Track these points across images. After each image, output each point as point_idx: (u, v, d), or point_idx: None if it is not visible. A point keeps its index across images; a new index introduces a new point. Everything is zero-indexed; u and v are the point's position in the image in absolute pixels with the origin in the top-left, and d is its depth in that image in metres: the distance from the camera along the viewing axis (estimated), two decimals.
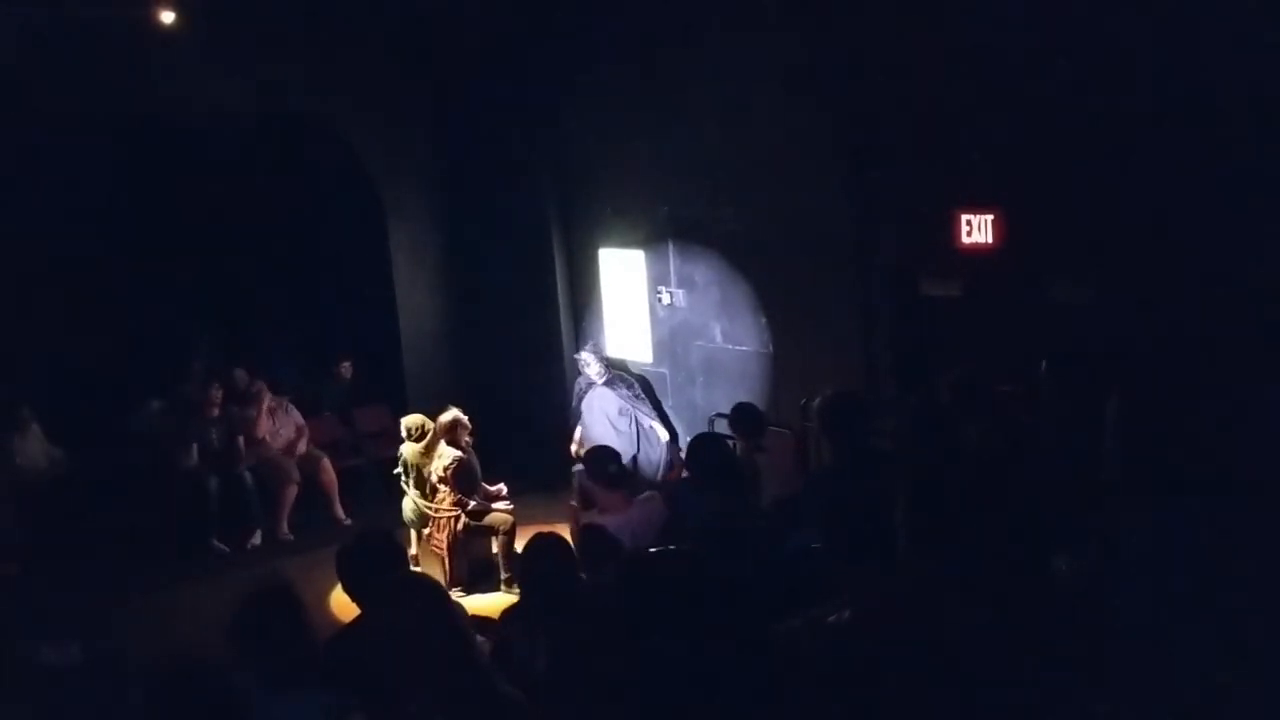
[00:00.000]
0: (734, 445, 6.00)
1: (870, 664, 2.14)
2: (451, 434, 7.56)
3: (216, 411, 9.05)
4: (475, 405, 8.03)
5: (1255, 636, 2.09)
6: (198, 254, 10.61)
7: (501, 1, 9.21)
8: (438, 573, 7.42)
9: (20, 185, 8.71)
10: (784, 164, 7.27)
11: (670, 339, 8.71)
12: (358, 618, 3.77)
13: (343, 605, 5.10)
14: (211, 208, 10.43)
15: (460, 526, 7.42)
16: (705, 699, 1.95)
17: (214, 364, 10.12)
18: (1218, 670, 2.04)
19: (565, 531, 5.18)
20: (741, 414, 6.28)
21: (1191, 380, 4.45)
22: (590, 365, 8.29)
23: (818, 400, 4.84)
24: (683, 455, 8.44)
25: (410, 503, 7.70)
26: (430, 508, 7.54)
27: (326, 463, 9.16)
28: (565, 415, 9.01)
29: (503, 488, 7.84)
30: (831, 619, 2.43)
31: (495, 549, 7.49)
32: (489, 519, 7.51)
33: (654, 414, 8.31)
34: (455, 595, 7.01)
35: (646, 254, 8.75)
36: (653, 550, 2.62)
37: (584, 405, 8.34)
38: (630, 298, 9.01)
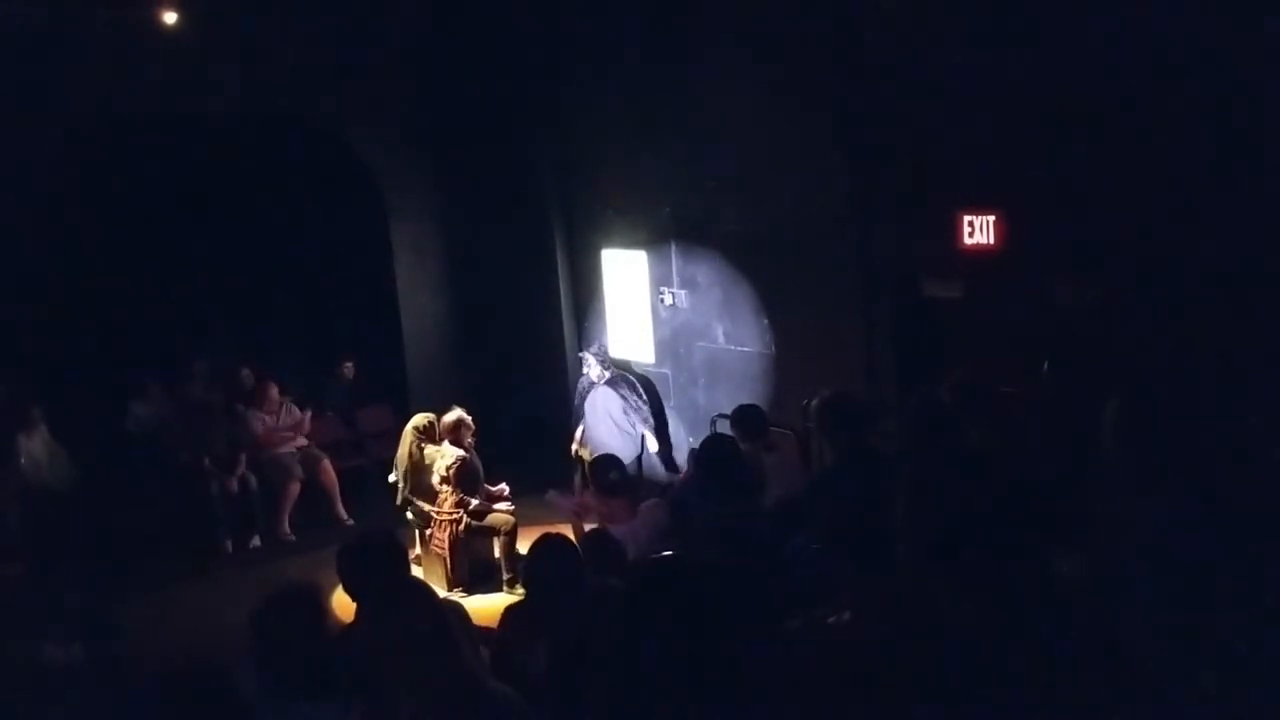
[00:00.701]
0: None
1: (870, 664, 2.15)
2: (455, 433, 7.57)
3: (220, 411, 9.06)
4: (477, 405, 8.05)
5: (1253, 637, 2.09)
6: (200, 254, 10.62)
7: (503, 2, 9.22)
8: (439, 572, 7.43)
9: (22, 185, 8.72)
10: (786, 165, 7.27)
11: (672, 340, 8.71)
12: (353, 622, 3.77)
13: (344, 605, 5.10)
14: (213, 208, 10.44)
15: (462, 527, 7.43)
16: (705, 699, 1.95)
17: (218, 364, 10.13)
18: (1215, 670, 2.04)
19: (568, 532, 5.18)
20: (743, 415, 6.28)
21: (1191, 381, 4.45)
22: (591, 366, 8.28)
23: (816, 401, 4.84)
24: (673, 461, 8.50)
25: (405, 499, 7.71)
26: (431, 509, 7.54)
27: (326, 463, 9.17)
28: (567, 416, 9.01)
29: (504, 488, 7.85)
30: (831, 619, 2.44)
31: (497, 549, 7.49)
32: (490, 519, 7.51)
33: (650, 420, 8.27)
34: (456, 596, 7.03)
35: (649, 254, 8.75)
36: (657, 555, 2.63)
37: (586, 405, 8.34)
38: (632, 298, 9.01)
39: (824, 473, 4.99)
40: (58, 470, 8.67)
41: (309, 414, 9.46)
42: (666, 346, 8.78)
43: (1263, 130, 4.77)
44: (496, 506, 7.64)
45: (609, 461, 5.53)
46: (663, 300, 8.67)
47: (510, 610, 4.12)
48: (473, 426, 7.68)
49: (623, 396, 8.15)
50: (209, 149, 10.03)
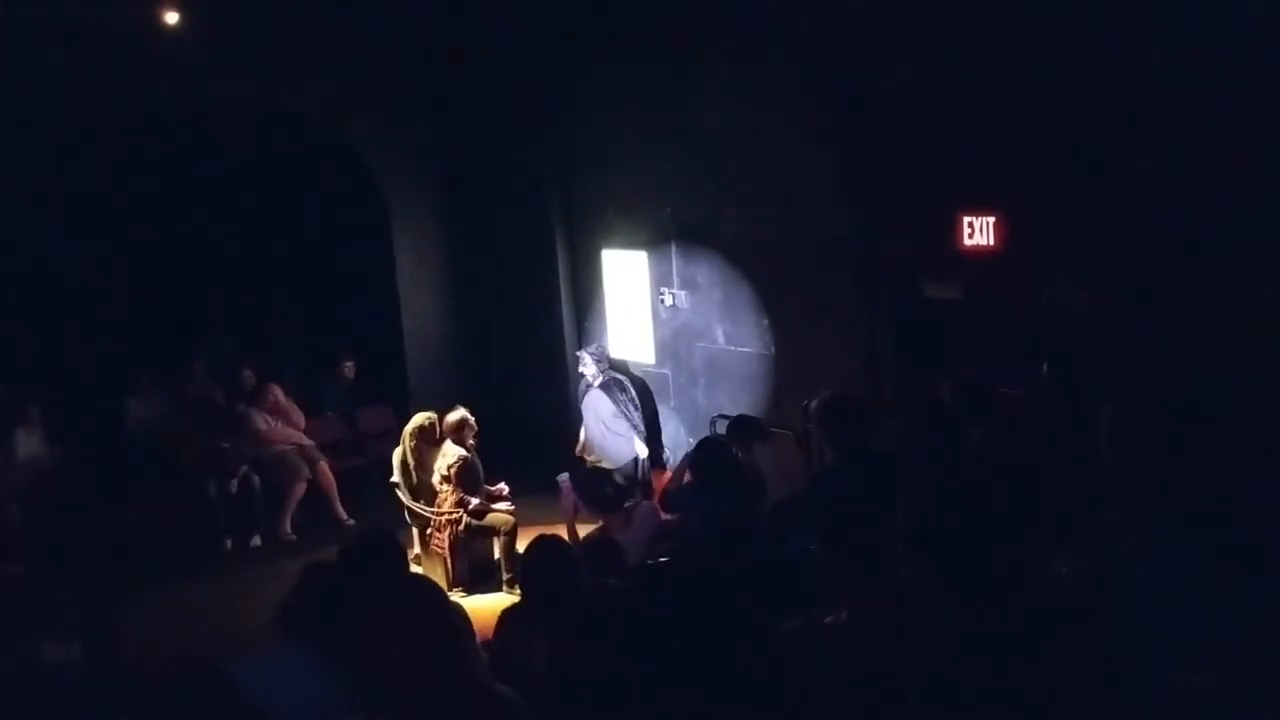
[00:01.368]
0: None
1: (870, 664, 2.15)
2: (458, 433, 7.58)
3: (220, 411, 9.07)
4: (478, 406, 8.05)
5: (1250, 637, 2.09)
6: (200, 254, 10.63)
7: (506, 3, 9.23)
8: (439, 573, 7.43)
9: (23, 185, 8.73)
10: (787, 166, 7.28)
11: (673, 340, 8.71)
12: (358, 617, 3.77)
13: None
14: (216, 209, 10.45)
15: (462, 526, 7.43)
16: (705, 700, 1.96)
17: (219, 363, 10.14)
18: (1213, 671, 2.04)
19: (563, 534, 5.19)
20: (737, 425, 6.33)
21: (1190, 383, 4.46)
22: (587, 366, 8.28)
23: (816, 402, 4.84)
24: (664, 463, 8.51)
25: (407, 499, 7.72)
26: (430, 511, 7.55)
27: (324, 464, 9.16)
28: (568, 416, 9.02)
29: (504, 488, 7.85)
30: (831, 619, 2.44)
31: (497, 549, 7.50)
32: (490, 519, 7.52)
33: (640, 425, 8.27)
34: (456, 595, 7.03)
35: (649, 255, 8.76)
36: (655, 559, 2.64)
37: (583, 406, 8.35)
38: (633, 299, 9.02)
39: (824, 473, 4.99)
40: (55, 468, 8.68)
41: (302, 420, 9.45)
42: (667, 347, 8.79)
43: (1263, 130, 4.77)
44: (496, 506, 7.65)
45: (600, 479, 5.56)
46: (663, 301, 8.68)
47: (507, 612, 4.13)
48: (475, 427, 7.68)
49: (614, 400, 8.15)
50: (210, 149, 10.04)
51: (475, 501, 7.49)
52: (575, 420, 8.65)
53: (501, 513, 7.59)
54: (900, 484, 2.28)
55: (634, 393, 8.38)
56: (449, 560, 7.43)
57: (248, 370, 9.64)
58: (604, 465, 8.18)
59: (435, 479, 7.53)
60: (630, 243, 8.93)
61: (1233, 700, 2.03)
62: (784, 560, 3.98)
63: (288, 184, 10.53)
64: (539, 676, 3.43)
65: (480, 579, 7.53)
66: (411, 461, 7.70)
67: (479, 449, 7.81)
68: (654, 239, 8.66)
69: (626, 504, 6.37)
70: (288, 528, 8.85)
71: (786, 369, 7.70)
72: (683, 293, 8.52)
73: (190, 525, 8.61)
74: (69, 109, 8.55)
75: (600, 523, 7.35)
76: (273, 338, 11.65)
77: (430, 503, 7.59)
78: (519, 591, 5.05)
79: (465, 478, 7.45)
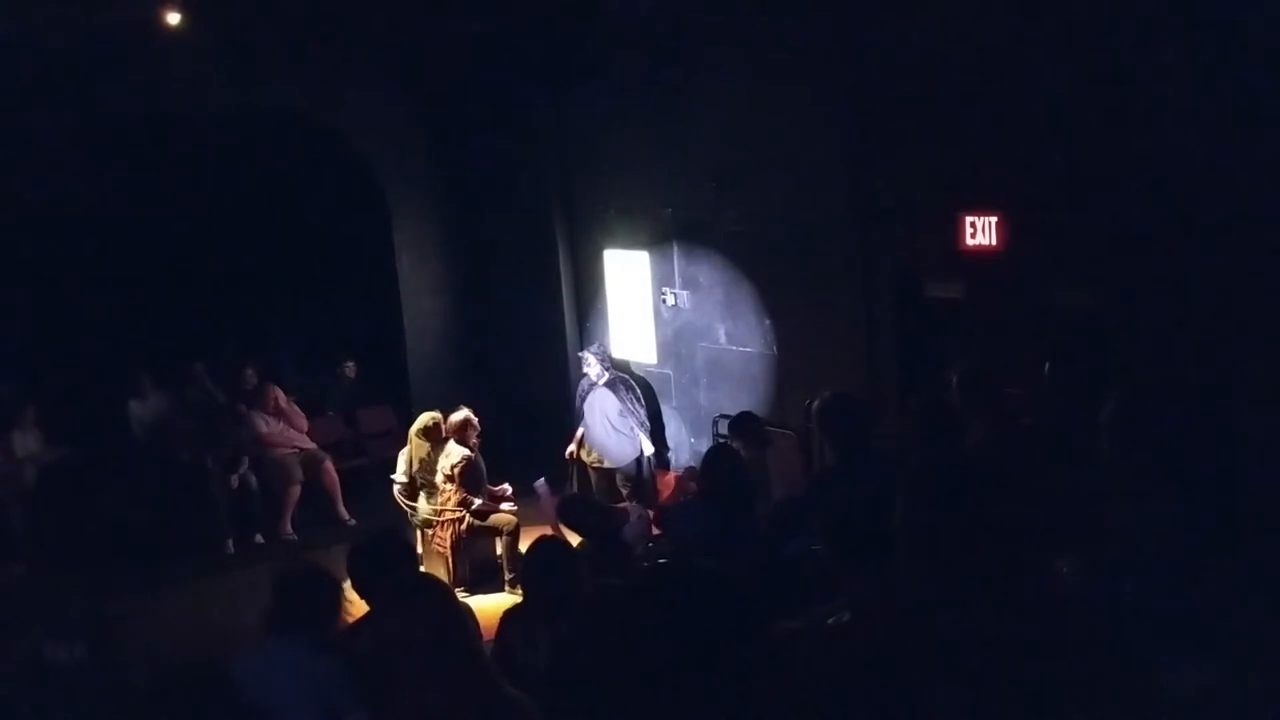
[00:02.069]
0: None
1: (870, 664, 2.15)
2: (461, 433, 7.58)
3: (221, 411, 9.08)
4: (479, 406, 8.05)
5: (1249, 638, 2.09)
6: (201, 254, 10.64)
7: (505, 3, 9.22)
8: (441, 572, 7.43)
9: (23, 184, 8.74)
10: (788, 165, 7.27)
11: (674, 340, 8.72)
12: (364, 615, 3.78)
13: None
14: (216, 208, 10.46)
15: (464, 526, 7.44)
16: (706, 700, 1.96)
17: (220, 363, 10.15)
18: (1215, 670, 2.04)
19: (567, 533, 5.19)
20: (738, 423, 6.33)
21: (1191, 382, 4.45)
22: (590, 365, 8.29)
23: (817, 401, 4.84)
24: (669, 463, 8.52)
25: (421, 502, 7.72)
26: (433, 510, 7.55)
27: (329, 465, 9.18)
28: (569, 416, 9.02)
29: (507, 488, 7.86)
30: (831, 620, 2.44)
31: (499, 549, 7.50)
32: (493, 519, 7.52)
33: (646, 423, 8.28)
34: (459, 595, 7.03)
35: (651, 255, 8.76)
36: (660, 561, 2.64)
37: (585, 406, 8.35)
38: (634, 299, 9.02)
39: (824, 473, 4.99)
40: (56, 469, 8.69)
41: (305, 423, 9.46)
42: (668, 347, 8.79)
43: (1263, 131, 4.77)
44: (499, 506, 7.65)
45: (580, 502, 5.60)
46: (665, 301, 8.68)
47: (509, 612, 4.13)
48: (478, 427, 7.69)
49: (620, 399, 8.15)
50: (211, 149, 10.06)
51: (478, 501, 7.50)
52: (576, 421, 8.65)
53: (504, 513, 7.59)
54: (899, 482, 2.28)
55: (639, 391, 8.40)
56: (451, 560, 7.44)
57: (249, 370, 9.66)
58: (605, 465, 8.19)
59: (438, 478, 7.54)
60: (632, 243, 8.93)
61: (1235, 700, 2.03)
62: (784, 561, 3.98)
63: (288, 184, 10.54)
64: (541, 676, 3.44)
65: (483, 579, 7.54)
66: (416, 461, 7.71)
67: (482, 449, 7.82)
68: (655, 239, 8.67)
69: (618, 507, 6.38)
70: (289, 528, 8.88)
71: (788, 368, 7.70)
72: (684, 292, 8.53)
73: (192, 525, 8.61)
74: (69, 109, 8.56)
75: None
76: (273, 338, 11.66)
77: (434, 502, 7.60)
78: (521, 591, 5.06)
79: (468, 477, 7.46)
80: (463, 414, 7.64)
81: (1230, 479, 2.36)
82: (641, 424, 8.19)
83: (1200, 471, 2.32)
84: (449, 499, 7.47)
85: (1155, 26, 5.10)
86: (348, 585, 3.82)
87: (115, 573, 7.82)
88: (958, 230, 6.08)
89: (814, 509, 3.76)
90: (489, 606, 6.38)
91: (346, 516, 9.09)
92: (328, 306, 11.23)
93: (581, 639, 3.23)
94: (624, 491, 7.99)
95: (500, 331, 10.35)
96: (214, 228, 10.58)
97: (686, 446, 8.81)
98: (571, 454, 8.45)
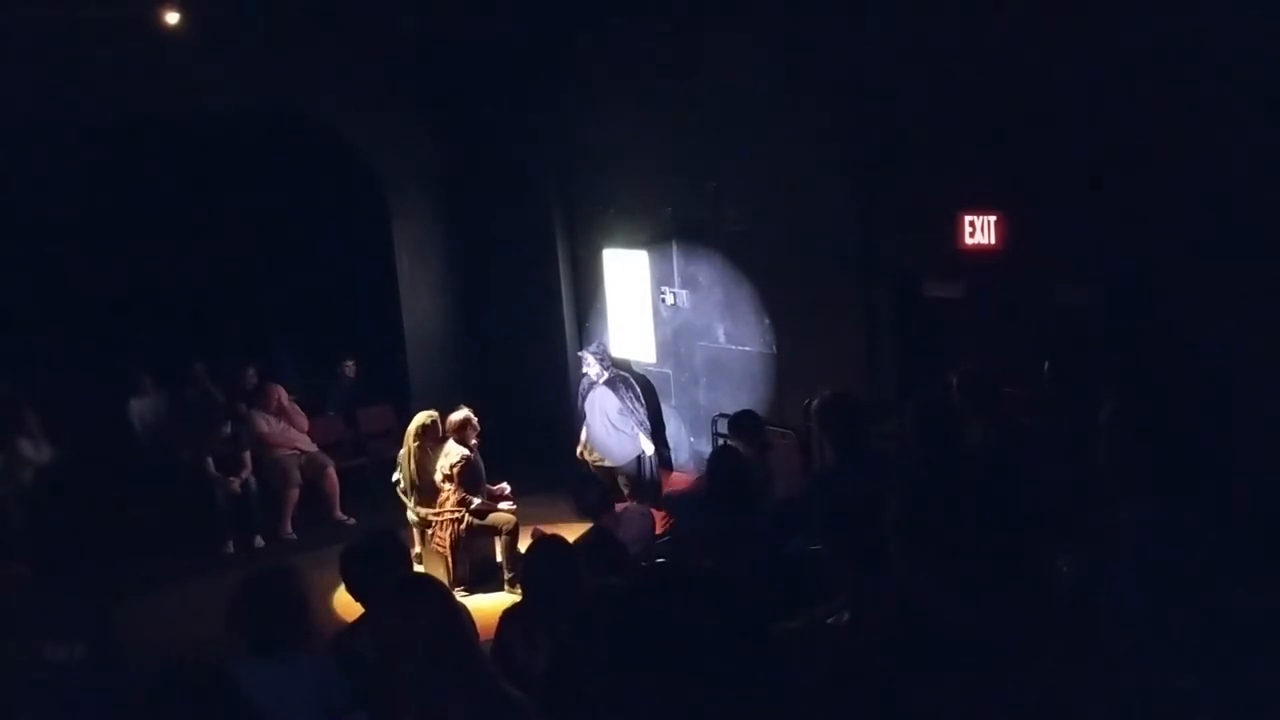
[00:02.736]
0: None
1: (871, 664, 2.15)
2: (461, 433, 7.58)
3: (221, 411, 9.07)
4: (479, 405, 8.05)
5: (1253, 637, 2.09)
6: (202, 254, 10.64)
7: (505, 4, 9.23)
8: (440, 572, 7.43)
9: (23, 184, 8.74)
10: (787, 165, 7.27)
11: (674, 339, 8.72)
12: (362, 616, 3.78)
13: (347, 605, 5.11)
14: (217, 208, 10.46)
15: (464, 526, 7.43)
16: (706, 700, 1.96)
17: (221, 364, 10.14)
18: (1216, 671, 2.04)
19: (568, 532, 5.20)
20: (740, 422, 6.32)
21: (1191, 381, 4.45)
22: (590, 365, 8.29)
23: (817, 401, 4.84)
24: (670, 462, 8.53)
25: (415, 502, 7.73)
26: (432, 513, 7.55)
27: (332, 470, 9.17)
28: (569, 415, 9.02)
29: (506, 487, 7.85)
30: (831, 619, 2.44)
31: (499, 549, 7.50)
32: (492, 519, 7.52)
33: (646, 422, 8.27)
34: (458, 595, 7.02)
35: (650, 254, 8.76)
36: (660, 561, 2.64)
37: (586, 405, 8.35)
38: (634, 298, 9.02)
39: (824, 473, 4.99)
40: (57, 470, 8.67)
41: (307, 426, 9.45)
42: (668, 346, 8.79)
43: (1263, 130, 4.77)
44: (498, 506, 7.65)
45: (585, 485, 5.61)
46: (664, 300, 8.68)
47: (508, 612, 4.13)
48: (478, 427, 7.69)
49: (620, 397, 8.15)
50: (212, 149, 10.05)
51: (477, 501, 7.50)
52: (576, 420, 8.65)
53: (503, 512, 7.59)
54: (892, 482, 2.28)
55: (639, 390, 8.39)
56: (450, 559, 7.44)
57: (250, 369, 9.66)
58: (606, 464, 8.19)
59: (437, 478, 7.53)
60: (631, 242, 8.93)
61: (1235, 700, 2.03)
62: (784, 560, 3.98)
63: (288, 184, 10.54)
64: (541, 676, 3.44)
65: (482, 578, 7.54)
66: (415, 460, 7.70)
67: (481, 448, 7.82)
68: (655, 238, 8.67)
69: (618, 506, 6.39)
70: (289, 528, 8.87)
71: (788, 368, 7.70)
72: (684, 292, 8.53)
73: (193, 526, 8.61)
74: (70, 109, 8.55)
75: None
76: (273, 338, 11.66)
77: (432, 502, 7.59)
78: (520, 591, 5.06)
79: (467, 477, 7.45)
80: (462, 414, 7.64)
81: (1230, 479, 2.36)
82: (641, 423, 8.19)
83: (1200, 471, 2.32)
84: (448, 498, 7.46)
85: (1155, 26, 5.10)
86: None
87: (115, 573, 7.81)
88: (957, 230, 6.08)
89: (814, 508, 3.76)
90: (489, 606, 6.38)
91: (345, 517, 9.09)
92: (328, 306, 11.23)
93: (581, 639, 3.23)
94: (625, 491, 7.99)
95: (500, 331, 10.34)
96: (214, 228, 10.57)
97: (686, 446, 8.82)
98: (580, 455, 8.46)
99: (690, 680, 1.95)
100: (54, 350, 9.41)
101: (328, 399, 10.43)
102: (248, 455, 8.81)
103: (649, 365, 8.97)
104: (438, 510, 7.51)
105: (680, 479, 8.50)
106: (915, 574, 2.15)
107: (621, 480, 8.14)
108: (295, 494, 8.91)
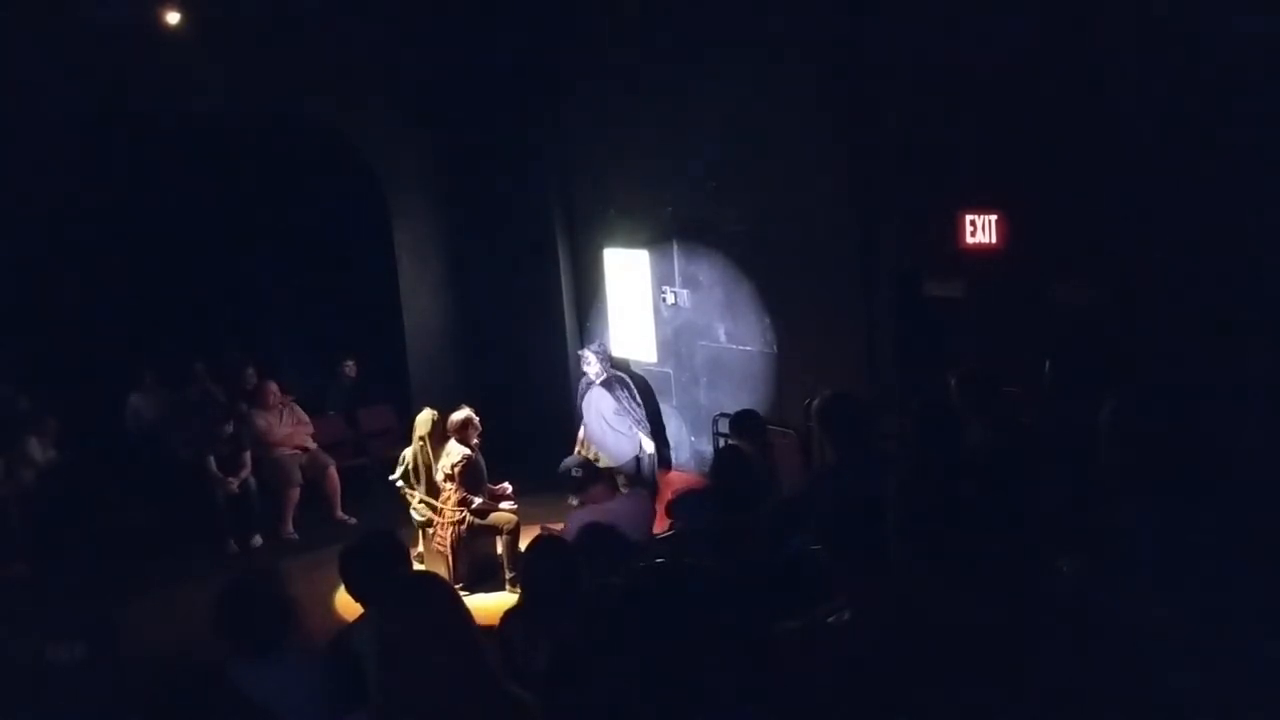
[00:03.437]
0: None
1: (871, 664, 2.15)
2: (462, 432, 7.58)
3: (221, 411, 9.07)
4: (479, 405, 8.05)
5: (1247, 637, 2.09)
6: (202, 254, 10.64)
7: (506, 3, 9.23)
8: (441, 571, 7.43)
9: (24, 183, 8.73)
10: (788, 164, 7.28)
11: (674, 339, 8.72)
12: (362, 616, 3.77)
13: (347, 605, 5.11)
14: (217, 208, 10.46)
15: (464, 525, 7.44)
16: (706, 700, 1.96)
17: (221, 363, 10.15)
18: (1216, 670, 2.04)
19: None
20: (741, 421, 6.32)
21: (1191, 381, 4.45)
22: (590, 364, 8.29)
23: (817, 400, 4.84)
24: (670, 462, 8.53)
25: (418, 501, 7.73)
26: (433, 509, 7.56)
27: (333, 470, 9.17)
28: (569, 415, 9.02)
29: (507, 487, 7.86)
30: (831, 619, 2.44)
31: (499, 548, 7.50)
32: (493, 518, 7.52)
33: (644, 421, 8.27)
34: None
35: (651, 254, 8.76)
36: (659, 560, 2.64)
37: (584, 404, 8.36)
38: (635, 297, 9.02)
39: (824, 472, 4.99)
40: (55, 470, 8.68)
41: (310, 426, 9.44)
42: (668, 345, 8.79)
43: (1263, 130, 4.77)
44: (499, 505, 7.65)
45: (569, 464, 5.69)
46: (665, 299, 8.68)
47: (509, 612, 4.13)
48: (479, 426, 7.69)
49: (616, 398, 8.15)
50: (212, 149, 10.06)
51: (478, 500, 7.50)
52: (577, 420, 8.66)
53: (504, 512, 7.59)
54: (890, 482, 2.28)
55: (635, 390, 8.39)
56: (451, 559, 7.44)
57: (251, 369, 9.66)
58: (604, 463, 8.19)
59: (439, 477, 7.54)
60: (632, 241, 8.93)
61: (1235, 700, 2.03)
62: (784, 560, 3.97)
63: (289, 185, 10.54)
64: (541, 676, 3.43)
65: (482, 578, 7.54)
66: (420, 459, 7.71)
67: (482, 448, 7.82)
68: (655, 238, 8.67)
69: (623, 490, 6.44)
70: (290, 528, 8.87)
71: (788, 367, 7.70)
72: (684, 291, 8.53)
73: (193, 526, 8.61)
74: (71, 109, 8.56)
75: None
76: (273, 338, 11.66)
77: (436, 498, 7.60)
78: (521, 590, 5.07)
79: (469, 477, 7.45)
80: (464, 413, 7.64)
81: (1230, 479, 2.36)
82: (639, 423, 8.18)
83: (1200, 471, 2.32)
84: (449, 498, 7.46)
85: (1155, 27, 5.10)
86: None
87: (115, 573, 7.81)
88: (958, 229, 6.08)
89: (814, 508, 3.76)
90: (489, 606, 6.38)
91: (346, 516, 9.09)
92: (328, 306, 11.23)
93: (581, 638, 3.23)
94: (624, 491, 7.98)
95: (500, 331, 10.34)
96: (215, 228, 10.57)
97: (687, 445, 8.82)
98: (578, 454, 8.46)
99: (690, 679, 1.95)
100: (54, 350, 9.41)
101: (328, 399, 10.43)
102: (248, 455, 8.81)
103: (650, 365, 8.97)
104: (439, 510, 7.51)
105: (680, 478, 8.50)
106: (915, 574, 2.15)
107: (621, 480, 8.13)
108: (296, 494, 8.92)
